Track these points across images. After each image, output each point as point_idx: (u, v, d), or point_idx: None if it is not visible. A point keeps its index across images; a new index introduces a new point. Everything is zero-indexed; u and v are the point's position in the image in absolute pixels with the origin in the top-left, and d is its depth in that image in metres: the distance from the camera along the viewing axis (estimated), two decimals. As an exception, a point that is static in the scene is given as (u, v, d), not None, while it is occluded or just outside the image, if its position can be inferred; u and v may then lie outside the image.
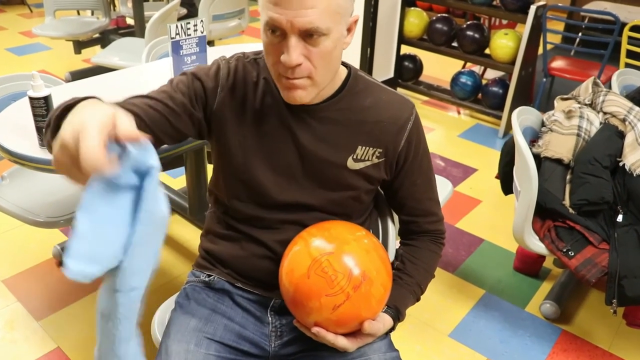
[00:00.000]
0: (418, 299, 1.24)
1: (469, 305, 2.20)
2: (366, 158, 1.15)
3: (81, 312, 2.06)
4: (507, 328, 2.09)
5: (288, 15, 0.93)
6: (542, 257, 2.33)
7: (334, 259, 1.02)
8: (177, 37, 1.80)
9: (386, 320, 1.14)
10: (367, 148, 1.15)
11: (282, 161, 1.14)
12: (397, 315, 1.16)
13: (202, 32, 1.86)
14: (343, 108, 1.13)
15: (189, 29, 1.81)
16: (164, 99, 1.09)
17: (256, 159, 1.14)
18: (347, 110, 1.13)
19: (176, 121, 1.10)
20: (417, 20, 3.98)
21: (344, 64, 1.15)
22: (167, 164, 2.34)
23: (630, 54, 3.52)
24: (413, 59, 4.17)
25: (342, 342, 1.06)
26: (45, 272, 2.25)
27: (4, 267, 2.27)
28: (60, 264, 2.29)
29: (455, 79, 3.91)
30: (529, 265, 2.36)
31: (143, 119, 1.05)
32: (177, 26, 1.78)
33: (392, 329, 1.18)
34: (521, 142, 1.78)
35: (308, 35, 0.96)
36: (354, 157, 1.14)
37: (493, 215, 2.80)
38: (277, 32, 0.97)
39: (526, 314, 2.17)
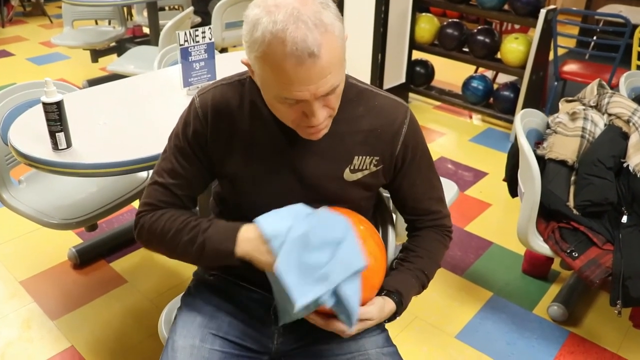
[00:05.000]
0: (424, 286, 1.24)
1: (476, 307, 2.21)
2: (364, 167, 1.15)
3: (94, 313, 2.12)
4: (514, 330, 2.10)
5: (311, 90, 0.94)
6: (550, 260, 2.33)
7: None
8: (186, 44, 1.85)
9: (387, 305, 1.14)
10: (364, 157, 1.15)
11: (278, 182, 1.14)
12: (400, 299, 1.17)
13: (210, 39, 1.91)
14: (337, 119, 1.10)
15: (197, 35, 1.86)
16: (186, 188, 1.17)
17: (253, 182, 1.15)
18: (341, 121, 1.12)
19: (204, 185, 1.21)
20: (427, 25, 4.00)
21: None
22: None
23: (641, 57, 3.50)
24: (425, 64, 4.19)
25: (337, 325, 1.08)
26: (61, 274, 2.32)
27: (22, 269, 2.34)
28: (75, 266, 2.35)
29: (466, 84, 3.92)
30: (537, 268, 2.36)
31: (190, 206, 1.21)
32: (185, 33, 1.83)
33: (397, 313, 1.18)
34: (524, 144, 1.80)
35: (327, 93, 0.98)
36: (351, 167, 1.14)
37: (502, 219, 2.80)
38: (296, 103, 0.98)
39: (534, 316, 2.17)
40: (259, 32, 0.92)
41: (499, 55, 3.75)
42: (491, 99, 3.90)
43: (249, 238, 1.07)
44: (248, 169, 1.14)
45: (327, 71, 0.94)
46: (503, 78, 4.39)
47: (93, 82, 4.11)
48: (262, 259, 1.05)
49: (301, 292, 0.98)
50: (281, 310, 1.12)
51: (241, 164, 1.14)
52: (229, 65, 2.06)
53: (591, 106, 2.02)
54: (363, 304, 1.09)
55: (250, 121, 1.12)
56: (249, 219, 1.14)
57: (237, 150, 1.13)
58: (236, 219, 1.18)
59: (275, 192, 1.15)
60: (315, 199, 1.15)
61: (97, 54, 4.28)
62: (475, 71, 4.39)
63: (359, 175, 1.16)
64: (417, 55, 4.16)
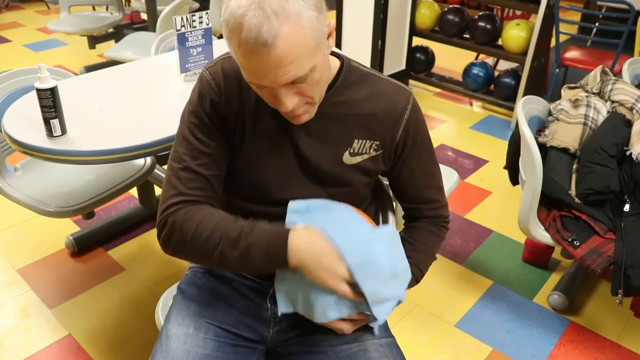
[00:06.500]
0: (418, 280, 1.23)
1: (476, 295, 2.20)
2: (363, 151, 1.14)
3: (92, 301, 2.11)
4: (515, 319, 2.09)
5: (270, 78, 0.91)
6: (551, 248, 2.32)
7: None
8: (183, 29, 1.82)
9: None
10: (364, 141, 1.13)
11: (279, 160, 1.13)
12: None
13: (207, 24, 1.87)
14: (337, 102, 1.10)
15: (194, 20, 1.83)
16: (213, 167, 1.11)
17: (254, 158, 1.13)
18: (341, 104, 1.11)
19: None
20: (428, 11, 3.96)
21: (336, 54, 1.13)
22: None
23: (645, 43, 3.46)
24: (425, 50, 4.15)
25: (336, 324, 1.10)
26: (58, 262, 2.30)
27: (19, 257, 2.32)
28: (72, 254, 2.34)
29: (467, 71, 3.89)
30: (537, 257, 2.35)
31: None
32: (182, 18, 1.80)
33: None
34: (525, 131, 1.77)
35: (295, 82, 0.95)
36: (351, 151, 1.13)
37: (503, 207, 2.78)
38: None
39: (534, 304, 2.16)
40: (226, 14, 0.90)
41: (500, 42, 3.71)
42: (492, 86, 3.87)
43: (306, 242, 1.03)
44: (252, 143, 1.12)
45: (286, 61, 0.89)
46: (504, 65, 4.35)
47: (91, 69, 4.08)
48: (322, 275, 1.02)
49: (381, 312, 1.08)
50: (290, 300, 1.13)
51: (247, 137, 1.12)
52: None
53: (594, 93, 1.99)
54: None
55: (257, 96, 1.09)
56: (253, 199, 1.15)
57: (245, 123, 1.11)
58: (238, 204, 1.16)
59: (277, 170, 1.13)
60: (315, 181, 1.14)
61: (94, 40, 4.23)
62: (476, 58, 4.35)
63: (359, 159, 1.14)
64: (417, 41, 4.12)
